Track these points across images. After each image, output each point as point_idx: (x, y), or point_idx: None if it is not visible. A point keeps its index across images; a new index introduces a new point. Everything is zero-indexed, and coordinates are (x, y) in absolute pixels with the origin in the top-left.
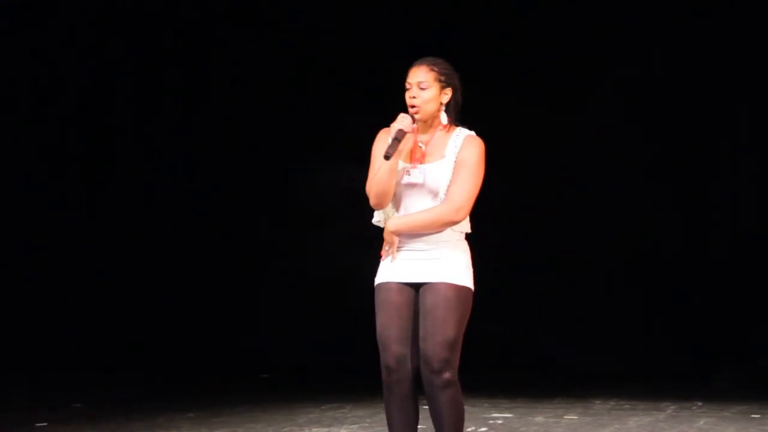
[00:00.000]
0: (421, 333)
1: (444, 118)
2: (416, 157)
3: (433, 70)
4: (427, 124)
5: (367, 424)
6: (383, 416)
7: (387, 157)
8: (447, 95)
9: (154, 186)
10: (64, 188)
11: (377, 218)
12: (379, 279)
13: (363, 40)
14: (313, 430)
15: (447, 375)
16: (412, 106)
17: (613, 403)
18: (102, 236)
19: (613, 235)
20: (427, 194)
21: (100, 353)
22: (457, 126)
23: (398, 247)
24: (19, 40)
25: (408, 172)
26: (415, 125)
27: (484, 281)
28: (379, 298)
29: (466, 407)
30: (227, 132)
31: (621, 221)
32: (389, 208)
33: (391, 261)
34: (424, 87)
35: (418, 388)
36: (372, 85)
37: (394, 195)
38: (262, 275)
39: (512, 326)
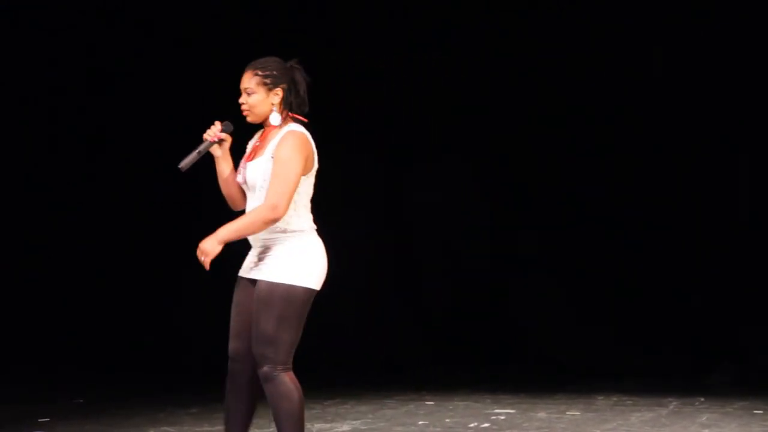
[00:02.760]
0: None
1: (275, 118)
2: (250, 157)
3: (256, 74)
4: (267, 124)
5: (369, 420)
6: (386, 411)
7: (180, 168)
8: (278, 95)
9: (154, 186)
10: (64, 188)
11: None
12: None
13: (363, 40)
14: (316, 425)
15: (265, 369)
16: (242, 111)
17: (615, 399)
18: (102, 236)
19: (612, 235)
20: (249, 190)
21: (100, 353)
22: (294, 121)
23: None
24: (20, 39)
25: (239, 172)
26: (223, 133)
27: (485, 280)
28: None
29: (468, 403)
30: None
31: (621, 221)
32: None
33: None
34: (250, 92)
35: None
36: (371, 84)
37: None
38: None
39: (514, 323)
